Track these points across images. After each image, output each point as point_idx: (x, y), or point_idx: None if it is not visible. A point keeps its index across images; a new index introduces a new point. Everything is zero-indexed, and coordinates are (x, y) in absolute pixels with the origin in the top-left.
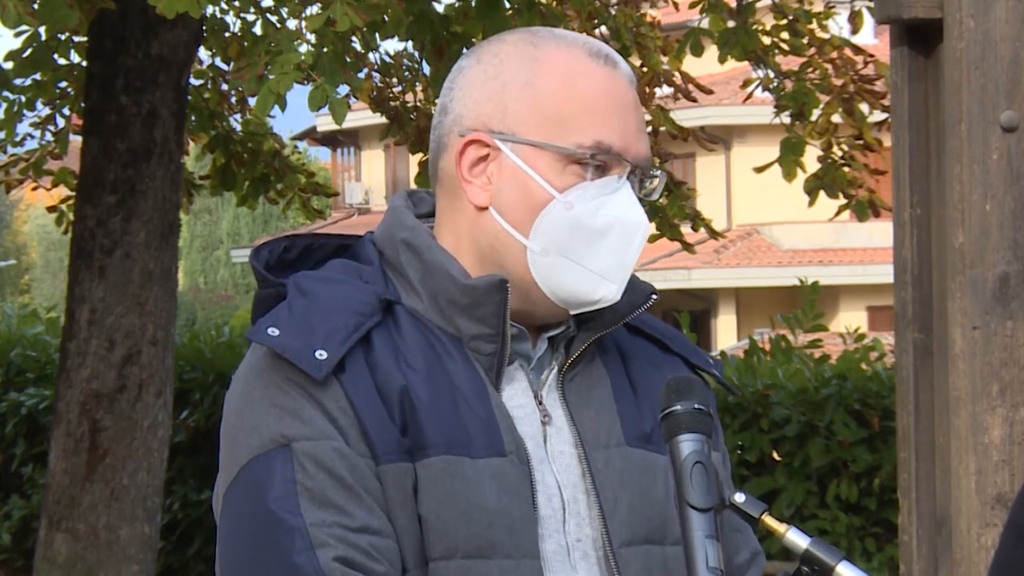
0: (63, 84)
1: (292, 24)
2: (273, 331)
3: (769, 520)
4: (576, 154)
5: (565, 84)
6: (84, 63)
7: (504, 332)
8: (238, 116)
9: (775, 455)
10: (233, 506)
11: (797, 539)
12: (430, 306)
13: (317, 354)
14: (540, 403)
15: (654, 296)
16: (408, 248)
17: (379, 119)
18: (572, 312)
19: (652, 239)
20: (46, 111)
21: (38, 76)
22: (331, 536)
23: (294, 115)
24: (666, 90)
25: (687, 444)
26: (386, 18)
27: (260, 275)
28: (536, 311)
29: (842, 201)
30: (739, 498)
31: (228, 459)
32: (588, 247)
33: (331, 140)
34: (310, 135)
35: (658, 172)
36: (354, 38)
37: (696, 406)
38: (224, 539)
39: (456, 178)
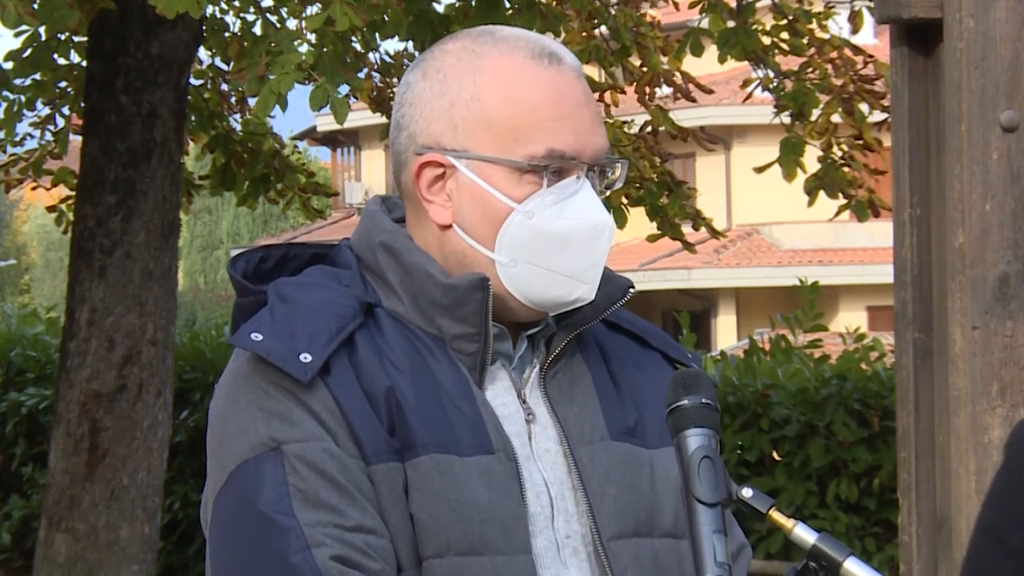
0: (63, 84)
1: (292, 24)
2: (256, 336)
3: (777, 515)
4: (529, 166)
5: (510, 95)
6: (84, 63)
7: (486, 331)
8: (238, 116)
9: (775, 455)
10: (224, 511)
11: (805, 535)
12: (411, 308)
13: (302, 357)
14: (524, 401)
15: (631, 290)
16: (386, 251)
17: (379, 119)
18: (551, 313)
19: (652, 239)
20: (46, 111)
21: (38, 76)
22: (326, 535)
23: (294, 115)
24: (666, 90)
25: (695, 439)
26: (386, 18)
27: (239, 284)
28: (514, 314)
29: (842, 201)
30: (747, 493)
31: (216, 465)
32: (555, 253)
33: (331, 140)
34: (310, 135)
35: (619, 161)
36: (354, 38)
37: (704, 400)
38: (216, 544)
39: (418, 197)
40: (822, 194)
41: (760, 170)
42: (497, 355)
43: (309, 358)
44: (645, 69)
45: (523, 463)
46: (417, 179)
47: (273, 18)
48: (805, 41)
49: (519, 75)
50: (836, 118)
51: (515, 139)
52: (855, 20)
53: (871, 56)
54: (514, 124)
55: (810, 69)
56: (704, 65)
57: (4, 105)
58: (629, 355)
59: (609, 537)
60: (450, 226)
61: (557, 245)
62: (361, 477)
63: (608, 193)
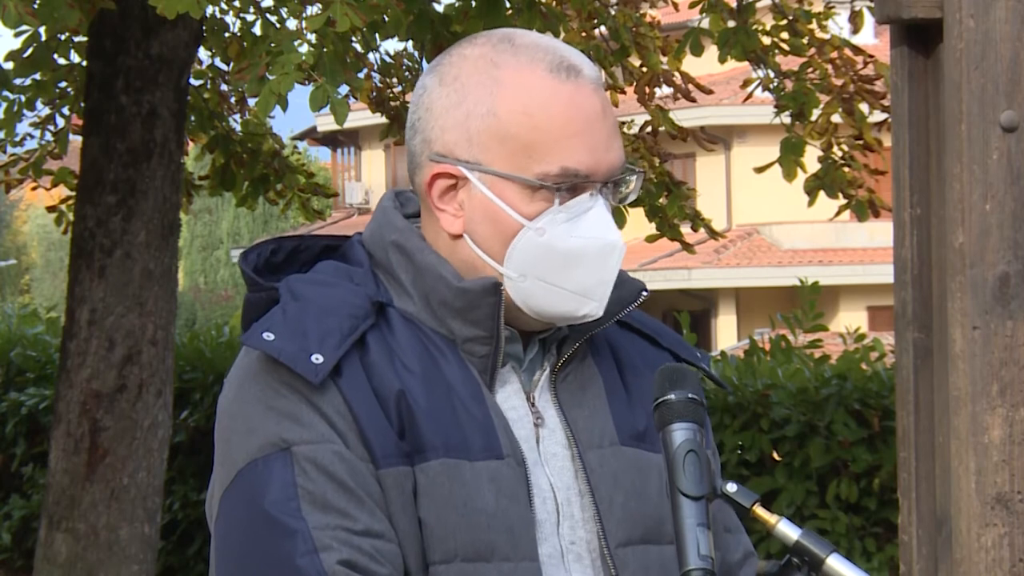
0: (63, 84)
1: (292, 24)
2: (268, 335)
3: (760, 511)
4: (541, 185)
5: (526, 112)
6: (84, 63)
7: (498, 334)
8: (238, 116)
9: (775, 455)
10: (230, 510)
11: (788, 530)
12: (422, 308)
13: (313, 358)
14: (533, 405)
15: (645, 293)
16: (398, 250)
17: (379, 119)
18: (558, 325)
19: (652, 239)
20: (46, 111)
21: (38, 76)
22: (334, 539)
23: (294, 115)
24: (666, 90)
25: (680, 433)
26: (386, 18)
27: (250, 279)
28: (523, 322)
29: (842, 201)
30: (731, 488)
31: (224, 462)
32: (564, 270)
33: (331, 140)
34: (310, 135)
35: (633, 174)
36: (354, 38)
37: (690, 395)
38: (221, 542)
39: (430, 204)
40: (822, 194)
41: (760, 170)
42: (508, 357)
43: (320, 359)
44: (645, 69)
45: (531, 468)
46: (430, 188)
47: (273, 18)
48: (805, 41)
49: (536, 90)
50: (836, 118)
51: (529, 156)
52: (855, 20)
53: (871, 56)
54: (529, 140)
55: (810, 69)
56: (704, 65)
57: (4, 105)
58: (640, 355)
59: (617, 544)
60: (461, 236)
61: (567, 263)
62: (370, 480)
63: (622, 205)
